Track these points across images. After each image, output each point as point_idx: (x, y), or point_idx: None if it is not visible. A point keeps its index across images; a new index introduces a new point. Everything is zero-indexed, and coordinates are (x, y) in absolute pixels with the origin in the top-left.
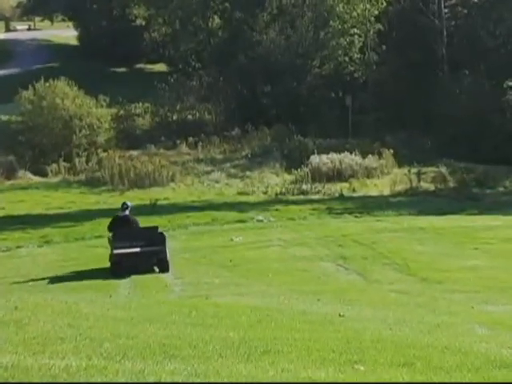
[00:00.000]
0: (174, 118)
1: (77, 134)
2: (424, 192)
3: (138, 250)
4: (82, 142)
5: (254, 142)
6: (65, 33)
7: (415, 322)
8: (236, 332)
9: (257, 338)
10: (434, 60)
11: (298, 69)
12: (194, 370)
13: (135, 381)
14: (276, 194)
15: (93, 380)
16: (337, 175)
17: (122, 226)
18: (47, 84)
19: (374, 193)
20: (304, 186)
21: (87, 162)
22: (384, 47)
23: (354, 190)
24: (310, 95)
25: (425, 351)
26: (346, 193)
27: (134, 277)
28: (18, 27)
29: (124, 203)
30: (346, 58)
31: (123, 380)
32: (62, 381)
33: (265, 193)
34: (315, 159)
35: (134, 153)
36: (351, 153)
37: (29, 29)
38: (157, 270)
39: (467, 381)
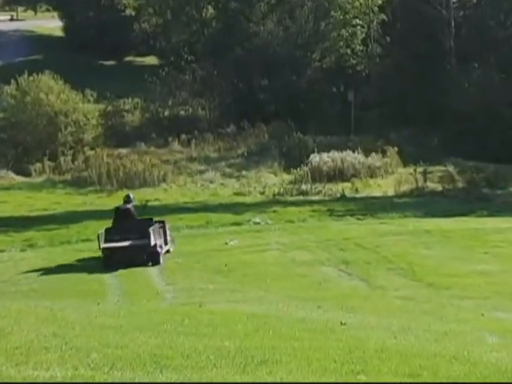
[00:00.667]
0: (166, 113)
1: (62, 132)
2: (431, 192)
3: (127, 244)
4: (68, 139)
5: (251, 140)
6: (49, 23)
7: (421, 330)
8: (232, 341)
9: (254, 347)
10: (441, 52)
11: (297, 62)
12: (187, 381)
13: None
14: (274, 195)
15: None
16: (338, 175)
17: (122, 218)
18: (31, 78)
19: (377, 193)
20: (303, 187)
21: (73, 160)
22: (388, 39)
23: (356, 191)
24: (310, 90)
25: (431, 361)
26: (347, 193)
27: (124, 283)
28: (0, 17)
29: (127, 196)
30: (348, 51)
31: None
32: None
33: (262, 193)
34: (315, 158)
35: (123, 151)
36: (353, 151)
37: (11, 19)
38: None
39: None
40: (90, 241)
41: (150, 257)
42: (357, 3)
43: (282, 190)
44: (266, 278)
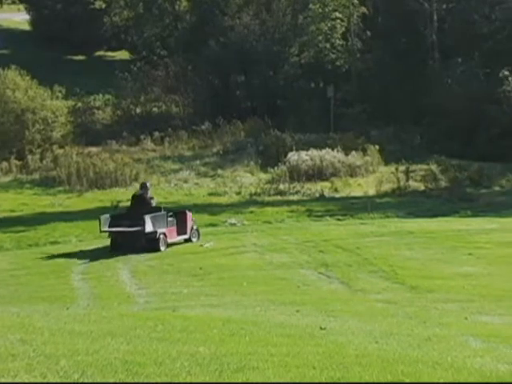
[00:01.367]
0: (138, 110)
1: (30, 129)
2: (413, 192)
3: (123, 230)
4: (36, 137)
5: (226, 138)
6: (16, 17)
7: (404, 334)
8: (206, 347)
9: (229, 353)
10: (423, 47)
11: (274, 57)
12: None
13: None
14: (250, 195)
15: None
16: (317, 174)
17: (136, 204)
18: None
19: (357, 193)
20: (281, 186)
21: (41, 159)
22: (369, 33)
23: (336, 190)
24: (288, 86)
25: (414, 367)
26: (327, 193)
27: (94, 287)
28: None
29: (143, 183)
30: (327, 45)
31: None
32: None
33: (238, 193)
34: (294, 156)
35: (94, 149)
36: (333, 149)
37: None
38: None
39: None
40: (58, 243)
41: (149, 243)
42: None
43: (258, 189)
44: (242, 282)
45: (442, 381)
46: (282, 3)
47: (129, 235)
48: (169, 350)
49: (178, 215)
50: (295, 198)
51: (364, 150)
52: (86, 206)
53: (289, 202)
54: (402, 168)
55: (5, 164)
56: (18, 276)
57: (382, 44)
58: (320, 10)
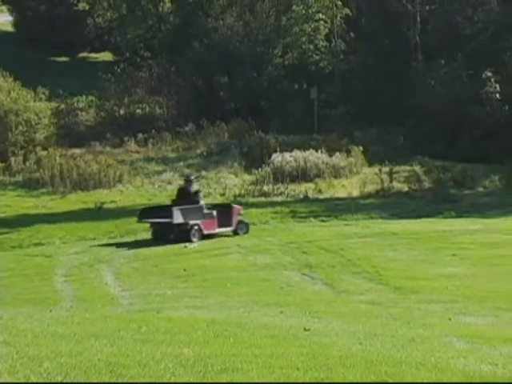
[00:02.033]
0: (122, 112)
1: (13, 131)
2: (397, 193)
3: (158, 221)
4: (19, 139)
5: (210, 139)
6: None
7: (388, 335)
8: (191, 348)
9: (213, 354)
10: (406, 48)
11: (258, 58)
12: None
13: None
14: (234, 196)
15: None
16: (301, 175)
17: (180, 196)
18: None
19: (341, 194)
20: (265, 187)
21: (24, 161)
22: (352, 34)
23: (320, 192)
24: (272, 87)
25: (398, 368)
26: (311, 194)
27: (77, 289)
28: None
29: (187, 176)
30: (311, 46)
31: None
32: None
33: (222, 195)
34: (277, 157)
35: (77, 151)
36: (317, 150)
37: None
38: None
39: None
40: (42, 245)
41: (182, 234)
42: None
43: (242, 191)
44: (226, 283)
45: (425, 381)
46: (266, 4)
47: (164, 226)
48: (153, 351)
49: (222, 208)
50: (279, 199)
51: (348, 152)
52: (69, 208)
53: (273, 204)
54: (385, 169)
55: None
56: (1, 278)
57: (366, 45)
58: (303, 12)
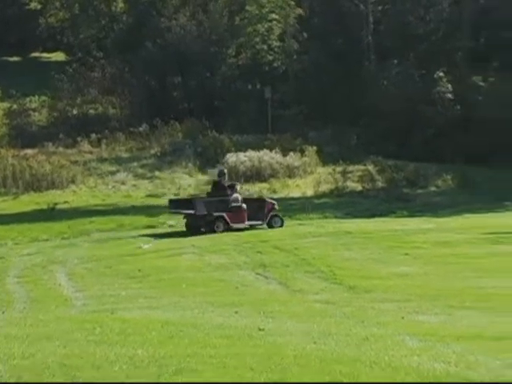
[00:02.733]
0: (74, 112)
1: None
2: (351, 192)
3: (185, 212)
4: None
5: (164, 139)
6: None
7: (342, 334)
8: (145, 349)
9: (168, 355)
10: (359, 48)
11: (211, 58)
12: None
13: None
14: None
15: None
16: (256, 175)
17: (213, 189)
18: None
19: (296, 194)
20: None
21: None
22: (305, 34)
23: (274, 191)
24: (226, 87)
25: (352, 367)
26: (265, 194)
27: (30, 290)
28: None
29: (221, 170)
30: (264, 46)
31: None
32: None
33: (177, 195)
34: (232, 157)
35: (30, 151)
36: (271, 150)
37: None
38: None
39: None
40: None
41: (207, 225)
42: None
43: (197, 191)
44: (181, 283)
45: (379, 380)
46: (219, 4)
47: (194, 218)
48: (107, 352)
49: (253, 202)
50: None
51: (302, 151)
52: (22, 209)
53: None
54: (339, 169)
55: None
56: None
57: (319, 45)
58: (256, 12)
